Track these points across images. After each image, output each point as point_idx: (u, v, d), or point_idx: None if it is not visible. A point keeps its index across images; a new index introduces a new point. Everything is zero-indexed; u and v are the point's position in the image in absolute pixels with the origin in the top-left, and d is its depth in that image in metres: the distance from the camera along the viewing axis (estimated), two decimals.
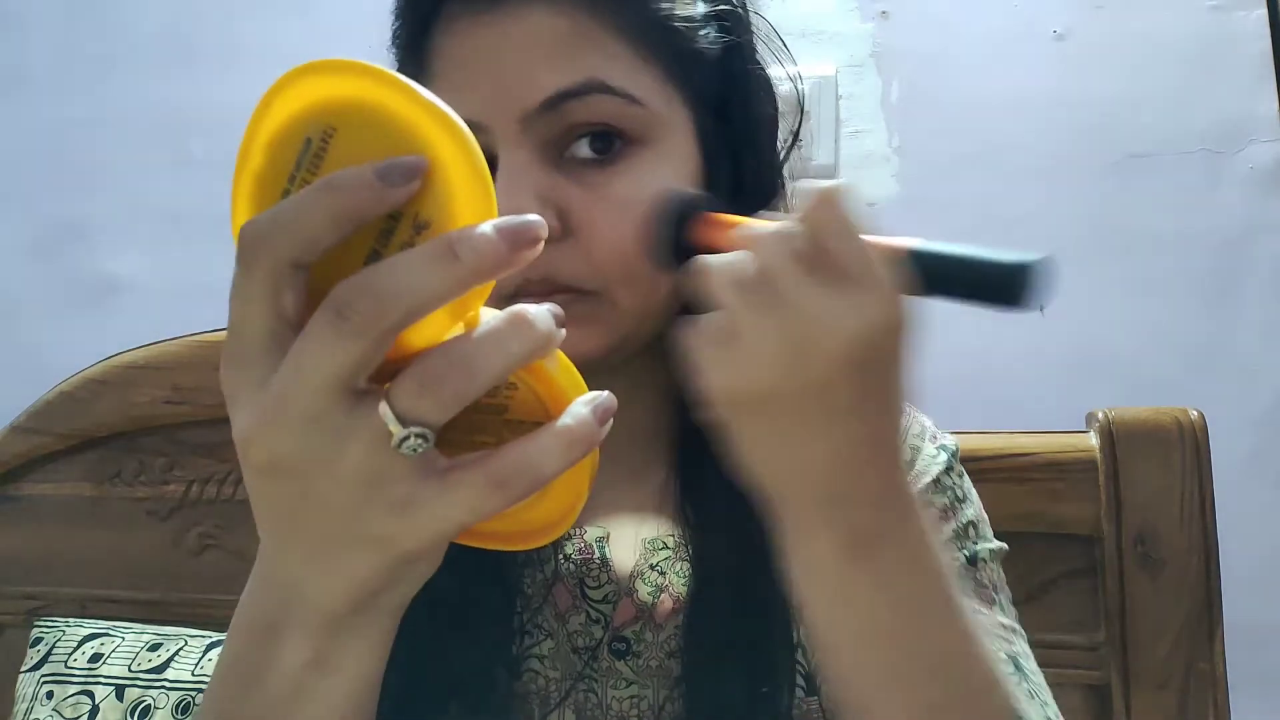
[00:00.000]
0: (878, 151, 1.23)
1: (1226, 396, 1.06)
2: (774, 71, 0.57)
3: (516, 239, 0.27)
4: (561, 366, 0.31)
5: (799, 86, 0.59)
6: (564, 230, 0.47)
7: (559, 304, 0.46)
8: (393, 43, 0.54)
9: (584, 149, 0.48)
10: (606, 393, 0.31)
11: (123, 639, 0.95)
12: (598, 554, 0.55)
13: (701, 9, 0.51)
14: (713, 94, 0.52)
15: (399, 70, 0.53)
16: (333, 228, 0.27)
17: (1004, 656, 0.50)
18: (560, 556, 0.54)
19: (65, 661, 0.94)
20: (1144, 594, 0.83)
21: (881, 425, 0.36)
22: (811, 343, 0.33)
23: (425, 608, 0.49)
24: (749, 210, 0.51)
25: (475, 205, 0.28)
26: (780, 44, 0.58)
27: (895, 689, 0.38)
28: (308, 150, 0.29)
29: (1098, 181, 1.15)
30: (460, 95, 0.47)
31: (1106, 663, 0.83)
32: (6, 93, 1.45)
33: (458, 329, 0.29)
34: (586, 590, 0.54)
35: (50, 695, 0.92)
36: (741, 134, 0.53)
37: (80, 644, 0.96)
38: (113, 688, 0.91)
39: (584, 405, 0.30)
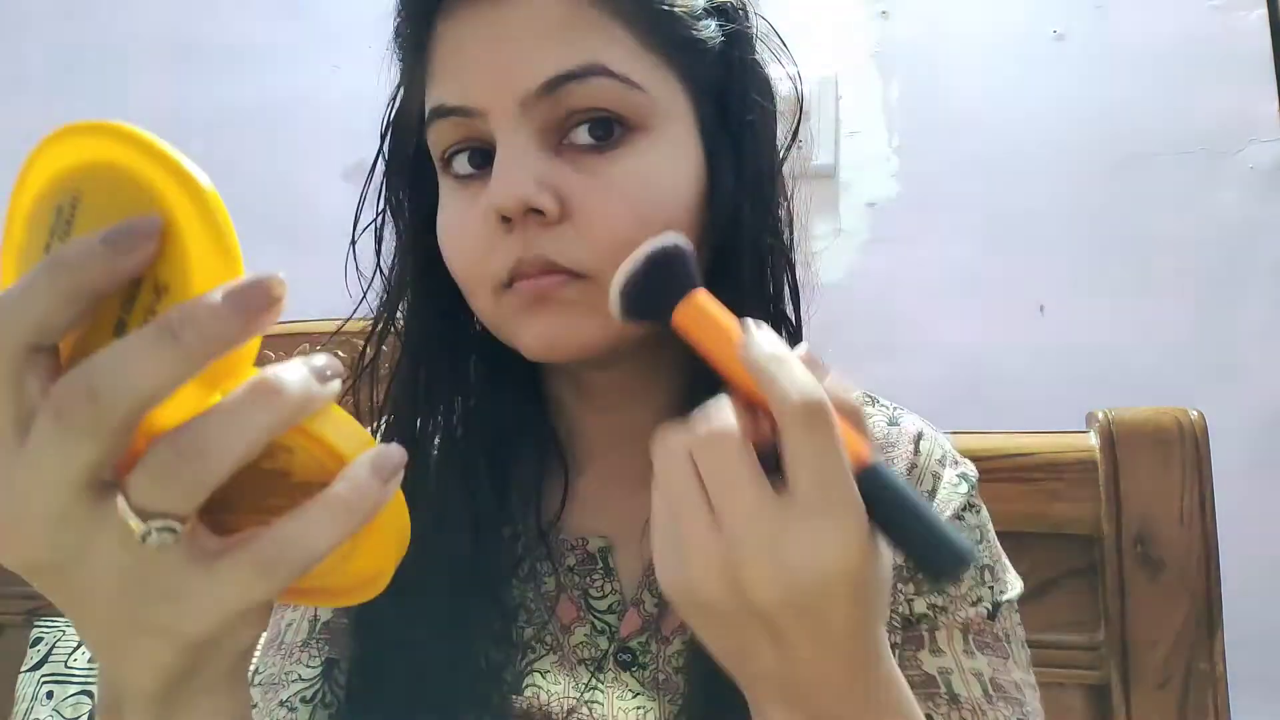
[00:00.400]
0: (878, 151, 1.23)
1: (1226, 396, 1.06)
2: (773, 71, 0.57)
3: (248, 305, 0.26)
4: (339, 422, 0.29)
5: (799, 86, 0.58)
6: (562, 213, 0.46)
7: (552, 286, 0.46)
8: (394, 41, 0.54)
9: (583, 135, 0.47)
10: (390, 446, 0.29)
11: None
12: (601, 565, 0.54)
13: (701, 1, 0.51)
14: (713, 86, 0.51)
15: (403, 68, 0.53)
16: (66, 307, 0.26)
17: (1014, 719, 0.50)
18: (562, 569, 0.54)
19: (65, 661, 0.94)
20: (1144, 594, 0.83)
21: (832, 652, 0.34)
22: (756, 576, 0.32)
23: (423, 624, 0.49)
24: (750, 208, 0.52)
25: (215, 266, 0.26)
26: (779, 43, 0.57)
27: None
28: (59, 218, 0.28)
29: (1098, 181, 1.15)
30: (459, 82, 0.48)
31: (1106, 663, 0.83)
32: (6, 93, 1.45)
33: (214, 398, 0.27)
34: (591, 601, 0.53)
35: (50, 695, 0.93)
36: (741, 128, 0.52)
37: (80, 644, 0.96)
38: None
39: (362, 466, 0.29)
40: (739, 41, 0.53)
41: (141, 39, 1.43)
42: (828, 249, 1.23)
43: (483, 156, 0.48)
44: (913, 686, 0.52)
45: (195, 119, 1.37)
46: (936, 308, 1.18)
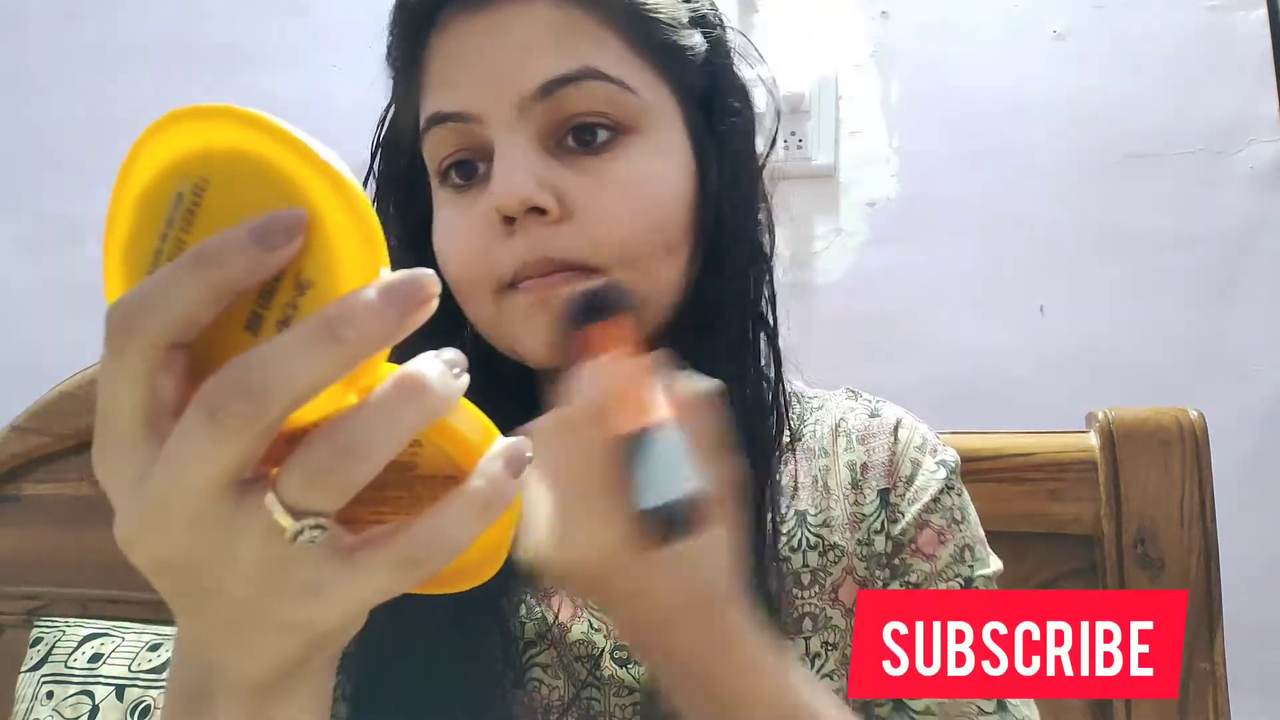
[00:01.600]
0: (878, 151, 1.23)
1: (1226, 396, 1.06)
2: (753, 73, 0.58)
3: (406, 303, 0.25)
4: (466, 415, 0.29)
5: (776, 95, 0.60)
6: (562, 213, 0.47)
7: (557, 285, 0.47)
8: (387, 59, 0.55)
9: (578, 137, 0.48)
10: (520, 440, 0.29)
11: (123, 639, 0.95)
12: None
13: (684, 12, 0.53)
14: (697, 92, 0.53)
15: (399, 85, 0.53)
16: (209, 304, 0.25)
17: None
18: None
19: (65, 661, 0.94)
20: None
21: (688, 610, 0.40)
22: (586, 549, 0.38)
23: (423, 622, 0.49)
24: (731, 211, 0.53)
25: (361, 261, 0.26)
26: (756, 53, 0.58)
27: None
28: (179, 206, 0.26)
29: (1098, 181, 1.15)
30: (455, 88, 0.48)
31: None
32: (6, 93, 1.45)
33: (351, 398, 0.27)
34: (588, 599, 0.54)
35: (50, 695, 0.92)
36: (724, 133, 0.54)
37: (80, 644, 0.96)
38: (113, 688, 0.91)
39: (495, 461, 0.29)
40: (719, 50, 0.55)
41: (141, 39, 1.43)
42: (828, 249, 1.23)
43: (477, 166, 0.50)
44: None
45: None
46: (936, 308, 1.18)
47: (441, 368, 0.27)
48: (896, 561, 0.55)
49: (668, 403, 0.38)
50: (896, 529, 0.56)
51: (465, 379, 0.27)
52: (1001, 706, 0.51)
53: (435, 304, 0.26)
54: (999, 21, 1.20)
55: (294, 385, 0.24)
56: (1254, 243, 1.11)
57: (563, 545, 0.37)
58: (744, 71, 0.57)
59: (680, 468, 0.36)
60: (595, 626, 0.53)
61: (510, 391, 0.57)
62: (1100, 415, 0.87)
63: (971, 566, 0.56)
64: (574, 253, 0.47)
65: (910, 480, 0.57)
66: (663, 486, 0.35)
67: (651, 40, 0.51)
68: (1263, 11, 1.13)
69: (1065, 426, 0.90)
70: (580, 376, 0.39)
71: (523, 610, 0.53)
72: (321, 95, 1.34)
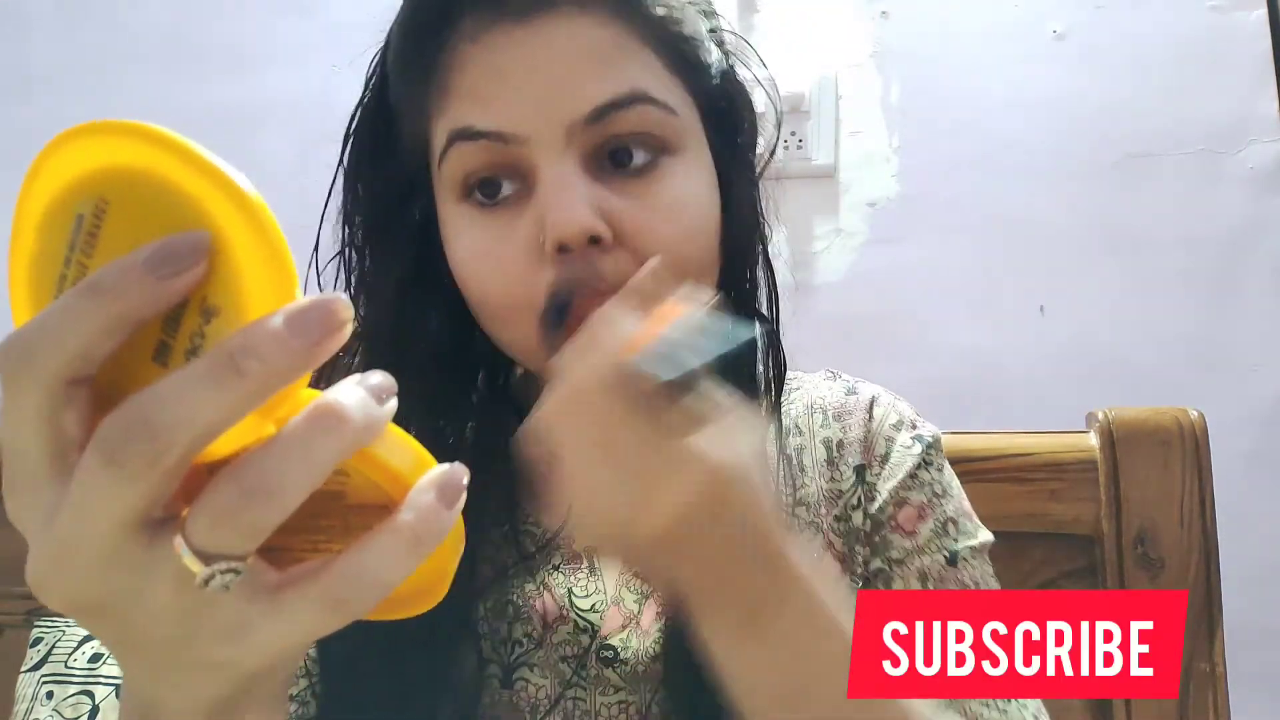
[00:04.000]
0: (878, 151, 1.23)
1: (1226, 396, 1.06)
2: (745, 73, 0.58)
3: (316, 331, 0.23)
4: (395, 443, 0.27)
5: (778, 102, 0.60)
6: (615, 238, 0.46)
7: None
8: (394, 60, 0.53)
9: (624, 159, 0.48)
10: (453, 467, 0.28)
11: None
12: (586, 564, 0.55)
13: (704, 26, 0.53)
14: (714, 105, 0.53)
15: (405, 90, 0.52)
16: (106, 337, 0.24)
17: None
18: (549, 568, 0.55)
19: (65, 661, 0.94)
20: None
21: (734, 548, 0.37)
22: (638, 504, 0.35)
23: (404, 625, 0.49)
24: (742, 217, 0.54)
25: (270, 285, 0.24)
26: (758, 59, 0.58)
27: None
28: (80, 228, 0.25)
29: (1098, 181, 1.15)
30: (493, 105, 0.47)
31: None
32: (6, 93, 1.45)
33: (269, 428, 0.25)
34: (574, 600, 0.54)
35: (50, 695, 0.92)
36: (737, 142, 0.54)
37: (80, 644, 0.96)
38: (113, 688, 0.91)
39: (426, 492, 0.27)
40: (730, 63, 0.55)
41: (141, 39, 1.43)
42: (828, 249, 1.23)
43: (501, 184, 0.48)
44: None
45: (195, 119, 1.36)
46: (936, 308, 1.18)
47: (363, 395, 0.25)
48: (877, 539, 0.56)
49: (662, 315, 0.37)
50: (874, 506, 0.56)
51: (392, 404, 0.26)
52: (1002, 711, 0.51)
53: (349, 330, 0.24)
54: (999, 21, 1.20)
55: (195, 423, 0.23)
56: (1254, 243, 1.11)
57: (610, 515, 0.37)
58: (742, 73, 0.57)
59: (695, 336, 0.36)
60: (581, 627, 0.53)
61: (500, 396, 0.58)
62: (1100, 415, 0.87)
63: (956, 539, 0.55)
64: (624, 276, 0.46)
65: (885, 457, 0.58)
66: (679, 356, 0.35)
67: (683, 58, 0.50)
68: (1263, 11, 1.13)
69: (1065, 426, 0.90)
70: (567, 352, 0.38)
71: (509, 611, 0.54)
72: (321, 95, 1.34)
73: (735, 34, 0.57)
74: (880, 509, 0.56)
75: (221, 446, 0.24)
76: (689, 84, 0.51)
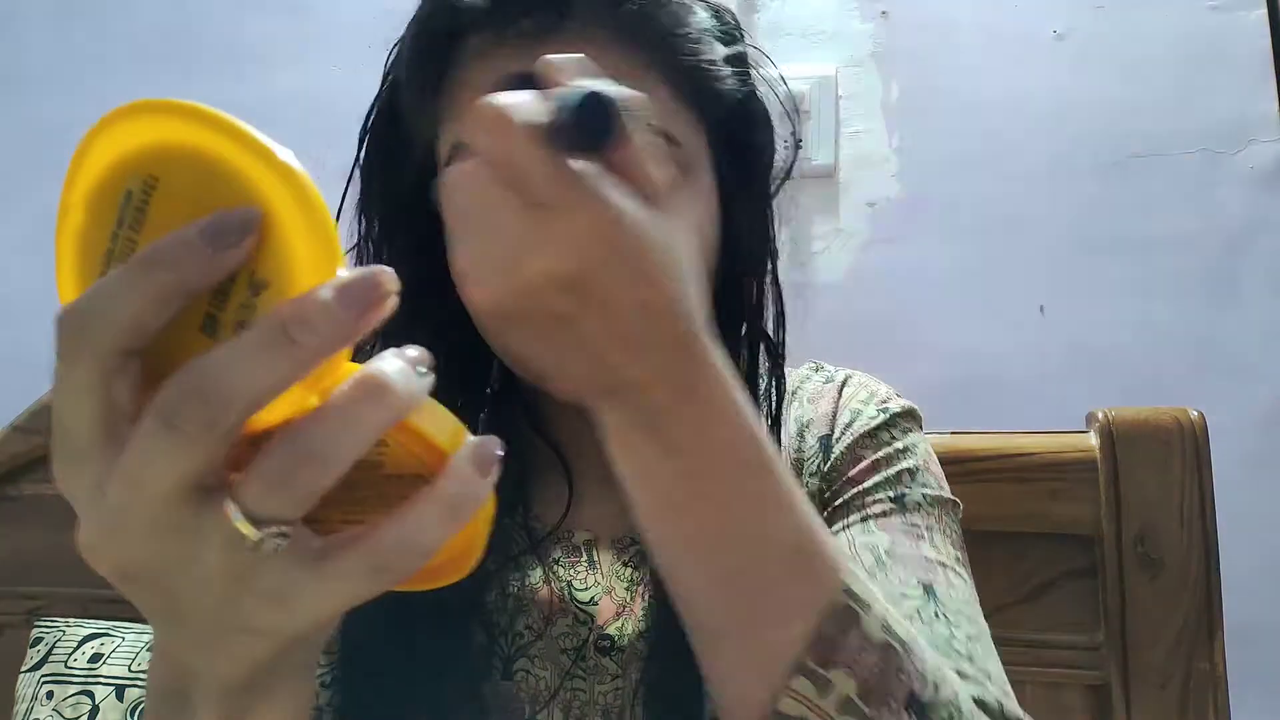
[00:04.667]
0: (878, 151, 1.23)
1: (1226, 396, 1.06)
2: (766, 72, 0.58)
3: (362, 302, 0.24)
4: (433, 413, 0.28)
5: (794, 114, 0.60)
6: None
7: None
8: (405, 72, 0.53)
9: None
10: (489, 438, 0.28)
11: (123, 639, 0.95)
12: (585, 558, 0.56)
13: (721, 51, 0.53)
14: (725, 129, 0.53)
15: (414, 98, 0.52)
16: (160, 309, 0.24)
17: (914, 582, 0.48)
18: (550, 561, 0.56)
19: (65, 661, 0.94)
20: (1144, 594, 0.83)
21: (623, 327, 0.32)
22: (512, 269, 0.31)
23: (408, 614, 0.49)
24: (751, 237, 0.54)
25: (317, 260, 0.25)
26: (770, 63, 0.58)
27: (691, 557, 0.36)
28: (129, 204, 0.26)
29: (1098, 181, 1.15)
30: None
31: (1106, 663, 0.83)
32: (6, 93, 1.45)
33: (313, 399, 0.26)
34: (574, 592, 0.55)
35: (50, 695, 0.92)
36: (748, 165, 0.55)
37: (80, 644, 0.96)
38: (113, 688, 0.91)
39: (464, 461, 0.27)
40: (746, 83, 0.55)
41: (141, 39, 1.43)
42: (827, 249, 1.23)
43: None
44: None
45: None
46: (936, 308, 1.18)
47: (404, 366, 0.26)
48: (827, 494, 0.55)
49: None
50: (827, 465, 0.57)
51: (430, 377, 0.27)
52: (928, 591, 0.48)
53: (393, 301, 0.25)
54: (999, 21, 1.20)
55: (250, 390, 0.24)
56: (1254, 243, 1.11)
57: (493, 276, 0.32)
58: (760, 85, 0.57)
59: (595, 85, 0.32)
60: (581, 619, 0.54)
61: (498, 391, 0.58)
62: (1100, 415, 0.87)
63: (909, 488, 0.54)
64: None
65: (849, 426, 0.58)
66: (575, 95, 0.31)
67: (693, 86, 0.50)
68: (1263, 11, 1.13)
69: (1065, 426, 0.90)
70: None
71: (510, 603, 0.54)
72: (321, 95, 1.34)
73: (753, 46, 0.57)
74: (833, 466, 0.56)
75: (268, 416, 0.25)
76: (697, 111, 0.51)
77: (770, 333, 0.57)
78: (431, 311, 0.53)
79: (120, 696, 0.90)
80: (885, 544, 0.51)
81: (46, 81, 1.45)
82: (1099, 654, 0.84)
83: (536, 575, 0.55)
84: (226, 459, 0.26)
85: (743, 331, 0.56)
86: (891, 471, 0.55)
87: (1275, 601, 1.04)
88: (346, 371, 0.26)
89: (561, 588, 0.55)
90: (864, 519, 0.53)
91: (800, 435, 0.59)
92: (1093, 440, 0.87)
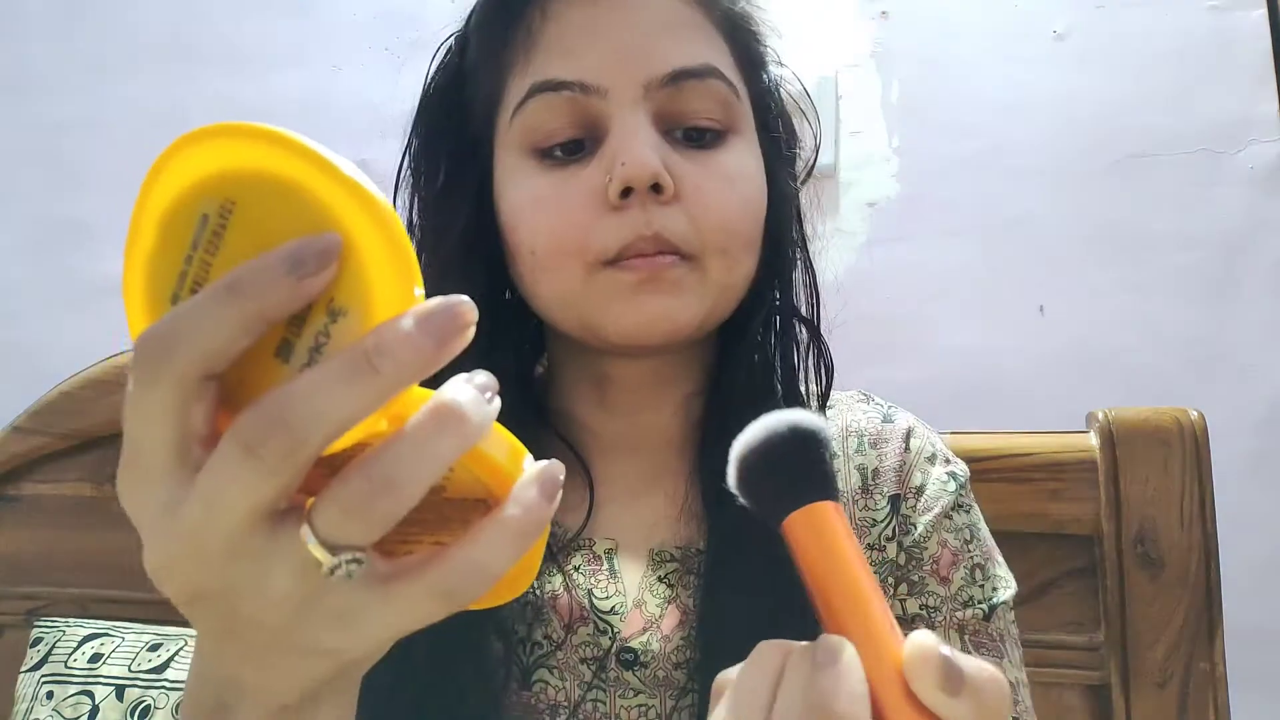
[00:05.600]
0: (878, 151, 1.23)
1: (1226, 396, 1.06)
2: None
3: (443, 332, 0.24)
4: (496, 438, 0.28)
5: (816, 130, 0.64)
6: (676, 193, 0.49)
7: (665, 266, 0.49)
8: (482, 20, 0.55)
9: (690, 131, 0.51)
10: (552, 463, 0.29)
11: (123, 639, 0.95)
12: (606, 565, 0.55)
13: (764, 33, 0.57)
14: (765, 106, 0.57)
15: (487, 46, 0.54)
16: (242, 335, 0.25)
17: None
18: (570, 569, 0.54)
19: (65, 661, 0.94)
20: (1144, 594, 0.83)
21: None
22: None
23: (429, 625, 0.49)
24: (786, 222, 0.57)
25: (395, 286, 0.25)
26: (802, 88, 0.62)
27: None
28: (204, 228, 0.26)
29: (1098, 181, 1.15)
30: (579, 58, 0.50)
31: (1106, 663, 0.83)
32: (6, 93, 1.45)
33: (382, 423, 0.26)
34: (595, 601, 0.54)
35: (50, 695, 0.92)
36: (779, 148, 0.58)
37: (80, 644, 0.96)
38: (113, 688, 0.91)
39: (529, 487, 0.28)
40: (778, 76, 0.60)
41: (141, 39, 1.43)
42: (828, 249, 1.23)
43: (576, 145, 0.51)
44: None
45: (195, 119, 1.36)
46: (936, 308, 1.18)
47: (474, 394, 0.26)
48: (915, 579, 0.55)
49: None
50: (909, 540, 0.56)
51: (497, 403, 0.27)
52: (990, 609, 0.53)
53: (472, 332, 0.25)
54: (999, 21, 1.20)
55: (331, 419, 0.24)
56: (1254, 243, 1.11)
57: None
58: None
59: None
60: (601, 629, 0.53)
61: (526, 389, 0.59)
62: (1100, 415, 0.87)
63: (983, 587, 0.55)
64: (680, 235, 0.49)
65: (920, 490, 0.57)
66: None
67: (747, 51, 0.55)
68: (1263, 11, 1.13)
69: (1065, 426, 0.90)
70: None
71: (528, 612, 0.53)
72: (322, 95, 1.34)
73: (781, 63, 0.60)
74: (916, 543, 0.55)
75: (339, 441, 0.25)
76: (748, 76, 0.55)
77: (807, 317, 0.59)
78: (473, 281, 0.54)
79: (120, 696, 0.90)
80: None
81: (47, 82, 1.45)
82: (1099, 654, 0.84)
83: (556, 583, 0.54)
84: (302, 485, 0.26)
85: (782, 321, 0.58)
86: (968, 568, 0.56)
87: (1275, 601, 1.04)
88: (415, 396, 0.26)
89: (582, 597, 0.53)
90: (961, 632, 0.54)
91: (865, 489, 0.57)
92: (1093, 440, 0.87)
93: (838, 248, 1.22)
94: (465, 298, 0.25)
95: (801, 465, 0.32)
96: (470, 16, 0.57)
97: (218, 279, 0.25)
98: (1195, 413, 0.86)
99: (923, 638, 0.28)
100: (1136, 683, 0.82)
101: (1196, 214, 1.13)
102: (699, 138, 0.51)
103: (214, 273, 0.26)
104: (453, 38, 0.58)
